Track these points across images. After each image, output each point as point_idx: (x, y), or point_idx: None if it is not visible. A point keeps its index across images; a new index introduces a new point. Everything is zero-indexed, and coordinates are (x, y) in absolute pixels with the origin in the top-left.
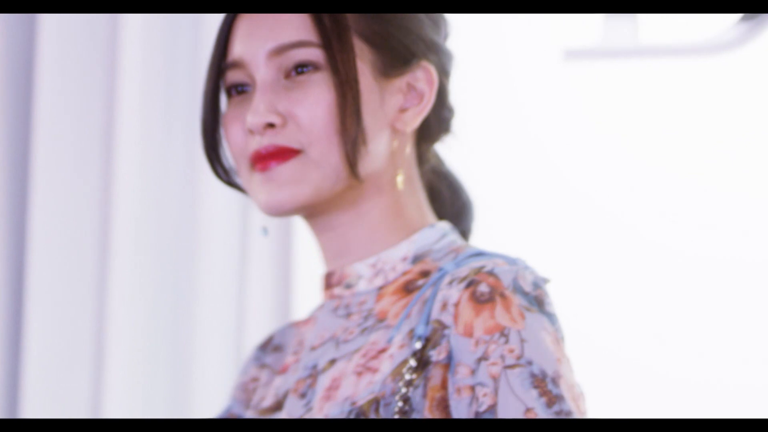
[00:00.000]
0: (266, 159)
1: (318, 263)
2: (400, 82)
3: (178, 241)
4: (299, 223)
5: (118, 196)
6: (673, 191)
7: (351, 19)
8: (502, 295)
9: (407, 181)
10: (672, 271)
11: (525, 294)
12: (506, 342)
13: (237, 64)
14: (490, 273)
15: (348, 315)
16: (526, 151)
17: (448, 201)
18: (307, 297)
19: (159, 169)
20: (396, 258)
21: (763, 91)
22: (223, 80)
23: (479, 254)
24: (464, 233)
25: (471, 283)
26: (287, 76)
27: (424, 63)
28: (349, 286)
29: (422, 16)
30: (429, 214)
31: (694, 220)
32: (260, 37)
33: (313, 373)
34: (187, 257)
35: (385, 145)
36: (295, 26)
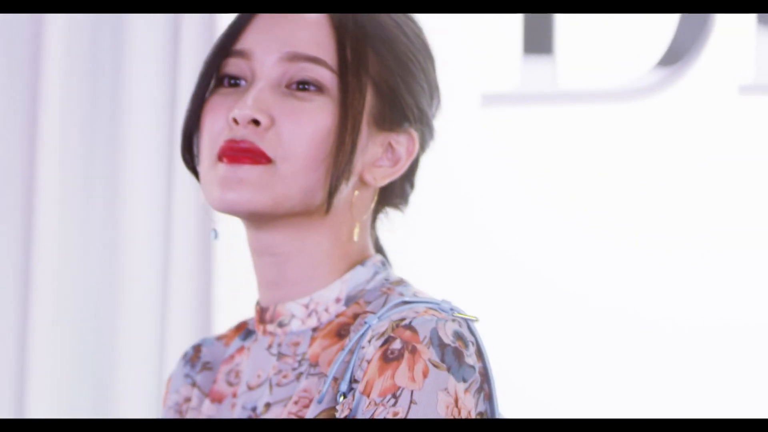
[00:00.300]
0: (239, 156)
1: (238, 269)
2: (385, 138)
3: (100, 250)
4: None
5: (39, 205)
6: (591, 237)
7: (372, 61)
8: (413, 350)
9: (362, 234)
10: (585, 320)
11: (441, 346)
12: (394, 404)
13: (243, 54)
14: (408, 326)
15: (280, 355)
16: (445, 197)
17: None
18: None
19: (80, 176)
20: (329, 299)
21: (679, 136)
22: (219, 66)
23: (404, 302)
24: None
25: (386, 341)
26: (288, 85)
27: (412, 130)
28: (281, 325)
29: (425, 85)
30: (369, 250)
31: (612, 265)
32: (278, 37)
33: (253, 416)
34: (109, 263)
35: (349, 190)
36: (317, 41)
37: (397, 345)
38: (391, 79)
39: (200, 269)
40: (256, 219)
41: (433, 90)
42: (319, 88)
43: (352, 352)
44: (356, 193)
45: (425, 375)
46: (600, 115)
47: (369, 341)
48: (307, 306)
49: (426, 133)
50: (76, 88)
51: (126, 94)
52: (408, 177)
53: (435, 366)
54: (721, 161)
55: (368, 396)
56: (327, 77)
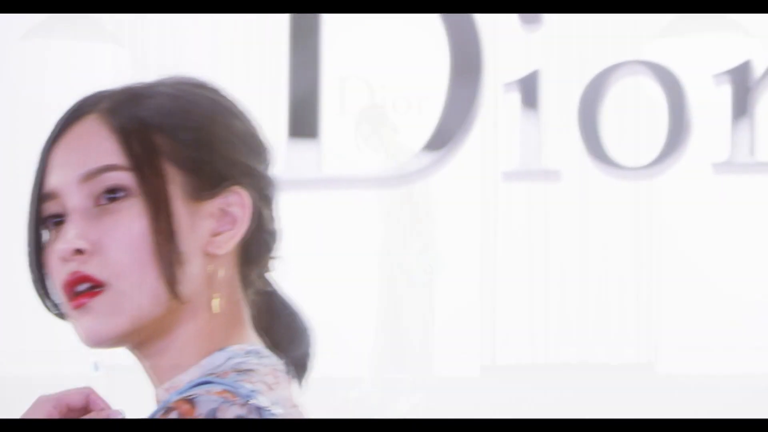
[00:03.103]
0: (77, 297)
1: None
2: (212, 206)
3: None
4: None
5: None
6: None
7: (161, 143)
8: None
9: (228, 305)
10: None
11: None
12: None
13: (51, 195)
14: (190, 400)
15: None
16: None
17: (276, 326)
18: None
19: None
20: (184, 383)
21: (446, 220)
22: (40, 213)
23: (206, 382)
24: (302, 359)
25: (166, 411)
26: (97, 203)
27: (237, 188)
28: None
29: (238, 142)
30: (246, 336)
31: None
32: (71, 165)
33: None
34: None
35: (199, 268)
36: (104, 150)
37: (173, 416)
38: (191, 151)
39: None
40: (129, 340)
41: (247, 139)
42: (126, 193)
43: None
44: (209, 268)
45: None
46: (368, 200)
47: (157, 413)
48: (167, 390)
49: (261, 184)
50: None
51: None
52: (261, 228)
53: None
54: (485, 243)
55: None
56: (125, 178)
